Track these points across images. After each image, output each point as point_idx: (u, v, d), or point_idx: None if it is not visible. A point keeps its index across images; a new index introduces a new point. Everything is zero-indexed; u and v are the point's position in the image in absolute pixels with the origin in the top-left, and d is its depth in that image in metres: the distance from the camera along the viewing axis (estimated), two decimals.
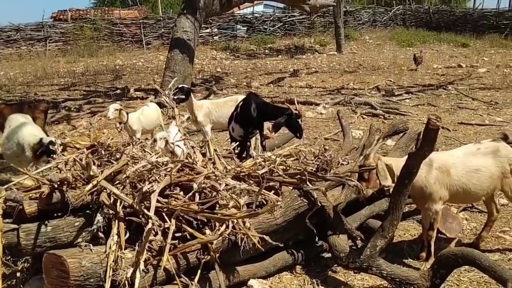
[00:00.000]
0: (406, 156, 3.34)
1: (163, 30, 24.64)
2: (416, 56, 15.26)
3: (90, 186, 3.20)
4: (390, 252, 4.07)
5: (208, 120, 6.39)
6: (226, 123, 6.29)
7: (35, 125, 5.81)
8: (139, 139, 4.87)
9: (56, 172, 3.39)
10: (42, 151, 4.98)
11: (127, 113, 6.57)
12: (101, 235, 3.25)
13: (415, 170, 3.27)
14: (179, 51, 11.46)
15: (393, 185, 3.59)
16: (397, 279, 3.41)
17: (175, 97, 5.76)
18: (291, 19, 27.52)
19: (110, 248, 3.08)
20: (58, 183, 3.14)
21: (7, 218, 3.52)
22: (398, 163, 3.67)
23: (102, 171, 3.41)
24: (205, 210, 3.28)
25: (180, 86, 5.97)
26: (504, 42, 21.57)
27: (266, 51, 22.44)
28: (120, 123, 6.47)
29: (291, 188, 3.90)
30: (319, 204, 3.76)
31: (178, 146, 4.38)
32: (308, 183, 3.76)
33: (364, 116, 9.28)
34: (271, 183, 3.85)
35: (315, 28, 27.28)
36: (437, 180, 3.78)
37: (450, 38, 23.66)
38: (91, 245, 3.17)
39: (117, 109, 6.24)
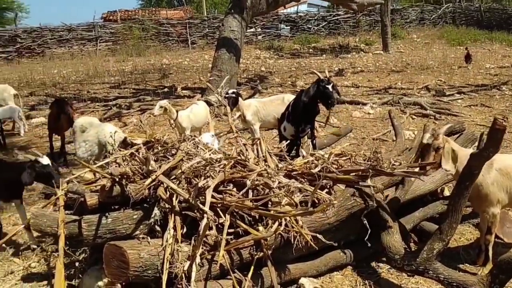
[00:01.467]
0: (470, 150, 3.23)
1: (207, 29, 25.00)
2: (469, 53, 14.72)
3: (149, 180, 3.29)
4: (445, 256, 3.95)
5: (256, 118, 6.43)
6: (273, 122, 6.32)
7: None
8: (191, 135, 4.97)
9: (116, 167, 3.50)
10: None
11: (177, 111, 6.71)
12: (157, 228, 3.34)
13: (477, 171, 3.16)
14: (226, 50, 11.58)
15: (452, 171, 3.50)
16: (454, 284, 3.31)
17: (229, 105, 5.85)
18: (335, 18, 27.24)
19: (167, 241, 3.15)
20: (119, 177, 3.24)
21: (67, 210, 3.69)
22: (463, 152, 3.54)
23: (159, 166, 3.49)
24: (259, 207, 3.29)
25: (227, 95, 6.01)
26: None
27: (310, 50, 22.30)
28: (171, 119, 6.61)
29: (344, 187, 3.86)
30: (374, 204, 3.69)
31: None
32: (364, 181, 3.70)
33: (414, 117, 9.04)
34: (324, 182, 3.82)
35: (361, 27, 26.87)
36: (495, 182, 3.63)
37: (502, 37, 22.71)
38: (148, 237, 3.26)
39: (162, 106, 6.40)
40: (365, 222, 3.67)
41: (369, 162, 4.28)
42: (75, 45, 23.64)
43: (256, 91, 12.24)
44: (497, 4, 30.48)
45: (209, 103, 8.34)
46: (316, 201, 3.74)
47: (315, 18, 27.10)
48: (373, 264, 4.03)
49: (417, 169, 3.73)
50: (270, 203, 3.53)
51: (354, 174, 3.83)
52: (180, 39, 24.70)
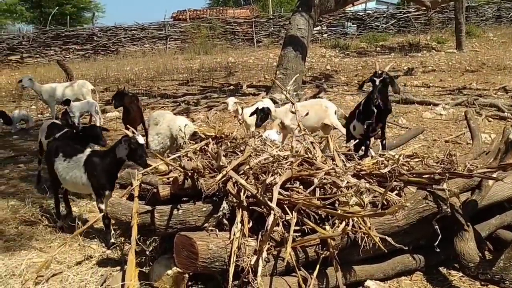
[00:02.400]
0: None
1: (273, 28, 25.12)
2: None
3: (220, 175, 3.36)
4: None
5: (295, 123, 6.39)
6: (313, 126, 6.29)
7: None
8: (258, 132, 5.02)
9: (188, 160, 3.61)
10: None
11: (242, 108, 6.81)
12: (225, 221, 3.40)
13: None
14: (292, 49, 11.57)
15: None
16: None
17: (259, 122, 5.88)
18: (405, 15, 26.35)
19: (234, 235, 3.20)
20: (191, 171, 3.34)
21: (140, 200, 3.86)
22: None
23: (229, 162, 3.56)
24: (327, 206, 3.26)
25: (260, 108, 6.01)
26: None
27: (378, 48, 21.74)
28: (235, 116, 6.74)
29: (416, 189, 3.73)
30: (448, 209, 3.53)
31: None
32: (437, 184, 3.56)
33: (490, 119, 8.54)
34: (394, 183, 3.71)
35: (432, 24, 25.80)
36: None
37: None
38: (216, 230, 3.33)
39: (235, 102, 6.55)
40: (436, 227, 3.52)
41: (442, 165, 4.12)
42: (147, 43, 24.68)
43: (322, 90, 12.12)
44: None
45: (274, 101, 8.38)
46: (385, 203, 3.65)
47: (384, 15, 26.37)
48: (444, 271, 3.86)
49: (496, 172, 3.52)
50: (337, 202, 3.49)
51: (427, 176, 3.68)
52: (245, 38, 25.02)
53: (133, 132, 4.38)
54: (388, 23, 26.10)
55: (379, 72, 4.68)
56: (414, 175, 3.73)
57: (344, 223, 3.31)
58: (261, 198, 3.27)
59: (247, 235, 3.24)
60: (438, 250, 3.61)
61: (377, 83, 4.63)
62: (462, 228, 3.57)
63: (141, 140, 4.33)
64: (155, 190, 3.69)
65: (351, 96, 11.03)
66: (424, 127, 8.06)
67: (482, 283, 3.51)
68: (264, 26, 25.49)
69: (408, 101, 10.06)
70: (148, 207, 3.66)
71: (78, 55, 23.33)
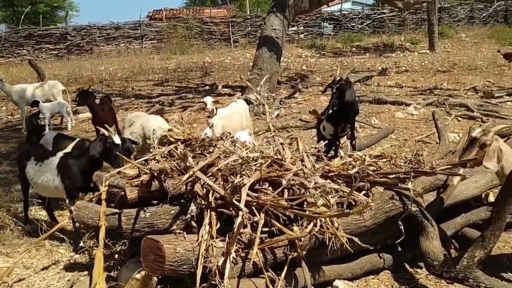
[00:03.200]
0: None
1: (250, 28, 25.12)
2: (507, 53, 14.23)
3: (187, 176, 3.35)
4: (487, 265, 3.79)
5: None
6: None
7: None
8: (229, 133, 5.01)
9: (155, 162, 3.58)
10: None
11: (216, 109, 6.78)
12: (194, 224, 3.39)
13: None
14: (267, 49, 11.60)
15: (493, 169, 3.35)
16: None
17: None
18: (380, 16, 26.71)
19: (202, 237, 3.19)
20: (158, 172, 3.32)
21: (109, 203, 3.82)
22: (508, 157, 3.38)
23: (197, 163, 3.54)
24: (295, 207, 3.28)
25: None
26: None
27: (353, 49, 21.97)
28: (209, 117, 6.71)
29: (383, 189, 3.78)
30: (412, 208, 3.60)
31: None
32: (403, 183, 3.62)
33: (460, 119, 8.72)
34: (361, 184, 3.76)
35: (406, 25, 26.21)
36: None
37: None
38: (184, 233, 3.31)
39: (213, 101, 6.54)
40: (401, 227, 3.58)
41: (410, 165, 4.19)
42: (122, 43, 24.36)
43: (297, 90, 12.19)
44: None
45: (248, 102, 8.38)
46: (353, 203, 3.70)
47: (359, 16, 26.66)
48: (411, 269, 3.93)
49: (460, 168, 3.60)
50: (305, 203, 3.51)
51: (393, 176, 3.74)
52: (222, 38, 24.95)
53: (110, 132, 4.35)
54: (363, 24, 26.40)
55: (338, 78, 4.81)
56: (380, 175, 3.78)
57: (312, 223, 3.34)
58: (229, 199, 3.27)
59: (215, 237, 3.23)
60: (400, 249, 3.66)
61: (334, 90, 4.80)
62: (428, 227, 3.64)
63: (117, 140, 4.29)
64: (123, 193, 3.66)
65: (326, 97, 11.10)
66: (395, 127, 8.19)
67: (448, 281, 3.58)
68: (241, 26, 25.47)
69: (381, 101, 10.20)
70: (116, 210, 3.62)
71: (51, 55, 22.89)
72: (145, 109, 10.42)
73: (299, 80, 13.98)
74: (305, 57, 20.06)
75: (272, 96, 11.19)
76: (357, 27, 26.15)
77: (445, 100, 9.83)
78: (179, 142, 4.17)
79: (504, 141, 4.79)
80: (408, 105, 9.76)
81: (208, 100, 6.57)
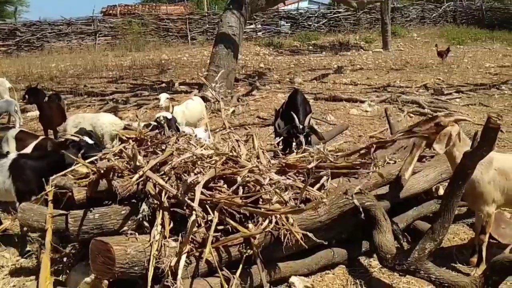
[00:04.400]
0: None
1: (207, 25, 24.91)
2: (441, 51, 15.58)
3: (136, 176, 3.24)
4: (438, 256, 3.90)
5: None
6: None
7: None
8: (183, 131, 4.93)
9: (104, 161, 3.45)
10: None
11: (172, 106, 6.67)
12: (146, 224, 3.28)
13: (471, 171, 3.10)
14: (224, 46, 11.51)
15: (440, 152, 3.46)
16: (446, 284, 3.26)
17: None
18: (336, 15, 27.15)
19: (154, 237, 3.10)
20: (104, 169, 3.19)
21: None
22: (462, 148, 3.44)
23: (148, 162, 3.44)
24: (249, 204, 3.24)
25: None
26: None
27: (310, 47, 22.24)
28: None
29: (341, 178, 3.82)
30: (366, 203, 3.65)
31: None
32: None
33: (411, 115, 8.98)
34: (322, 173, 3.79)
35: (361, 24, 26.80)
36: (492, 181, 3.58)
37: (503, 36, 22.62)
38: (136, 233, 3.20)
39: (168, 98, 6.43)
40: (362, 214, 3.61)
41: (363, 160, 4.26)
42: (74, 39, 23.52)
43: (254, 88, 12.18)
44: (499, 3, 30.32)
45: (205, 99, 8.28)
46: (311, 199, 3.70)
47: (316, 15, 27.00)
48: (365, 263, 3.98)
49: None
50: (261, 200, 3.48)
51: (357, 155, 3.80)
52: (179, 35, 24.61)
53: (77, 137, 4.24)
54: (319, 23, 26.76)
55: (300, 127, 4.93)
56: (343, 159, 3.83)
57: (267, 221, 3.31)
58: (181, 198, 3.19)
59: (167, 237, 3.14)
60: (354, 244, 3.72)
61: (302, 139, 4.88)
62: (381, 221, 3.69)
63: (89, 140, 4.18)
64: (70, 194, 3.50)
65: (283, 94, 11.16)
66: (350, 123, 8.34)
67: (400, 274, 3.65)
68: (199, 23, 25.20)
69: (337, 98, 10.36)
70: (63, 212, 3.46)
71: None
72: (98, 107, 10.11)
73: (256, 78, 13.98)
74: (263, 55, 20.10)
75: (230, 93, 11.13)
76: (314, 25, 26.47)
77: (397, 97, 10.10)
78: (130, 141, 4.03)
79: None
80: (362, 102, 9.96)
81: (163, 96, 6.47)
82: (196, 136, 5.14)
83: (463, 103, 10.00)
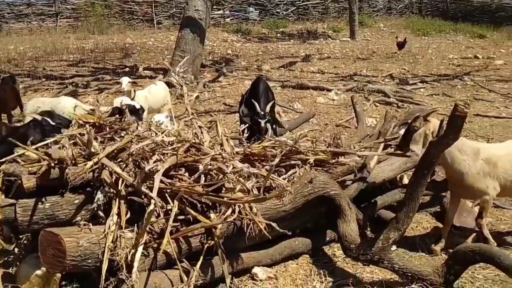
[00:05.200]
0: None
1: (174, 10, 24.29)
2: (399, 42, 15.96)
3: (90, 163, 3.05)
4: (401, 245, 3.91)
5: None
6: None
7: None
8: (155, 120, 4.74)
9: (58, 148, 3.23)
10: None
11: (135, 91, 6.43)
12: (101, 214, 3.11)
13: (436, 159, 3.07)
14: (190, 31, 11.21)
15: (418, 152, 3.44)
16: (409, 274, 3.25)
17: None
18: (304, 3, 27.01)
19: (109, 228, 2.93)
20: (57, 159, 2.98)
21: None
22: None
23: (104, 148, 3.24)
24: (210, 193, 3.11)
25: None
26: None
27: (278, 35, 22.07)
28: (132, 99, 6.34)
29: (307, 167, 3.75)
30: (331, 191, 3.58)
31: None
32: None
33: (377, 104, 9.03)
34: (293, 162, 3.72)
35: (329, 13, 26.79)
36: (481, 171, 3.64)
37: (467, 28, 23.08)
38: (90, 224, 3.02)
39: (130, 82, 6.19)
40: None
41: (329, 148, 4.21)
42: (34, 20, 22.45)
43: (221, 74, 11.97)
44: None
45: (170, 84, 8.04)
46: (276, 188, 3.60)
47: (284, 2, 26.81)
48: (329, 252, 3.94)
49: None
50: (224, 189, 3.36)
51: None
52: (145, 19, 23.90)
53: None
54: (288, 10, 26.59)
55: (262, 113, 4.87)
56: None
57: (230, 210, 3.20)
58: (138, 187, 3.02)
59: (123, 228, 2.98)
60: (319, 233, 3.66)
61: (263, 124, 4.85)
62: (345, 210, 3.64)
63: (51, 121, 3.94)
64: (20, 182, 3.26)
65: (250, 81, 10.99)
66: (317, 111, 8.29)
67: (364, 263, 3.62)
68: (165, 7, 24.52)
69: (304, 86, 10.29)
70: (12, 201, 3.23)
71: None
72: (56, 91, 9.67)
73: (224, 64, 13.75)
74: (231, 42, 19.81)
75: (196, 79, 10.89)
76: (282, 13, 26.28)
77: (364, 86, 10.13)
78: (87, 125, 3.81)
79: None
80: (329, 90, 9.93)
81: (124, 80, 6.22)
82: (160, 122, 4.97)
83: (427, 93, 10.13)
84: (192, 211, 3.10)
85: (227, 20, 25.14)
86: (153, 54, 15.72)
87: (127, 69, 12.57)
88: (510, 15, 24.59)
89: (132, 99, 6.27)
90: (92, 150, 3.16)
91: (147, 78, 11.06)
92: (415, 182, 3.19)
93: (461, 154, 3.59)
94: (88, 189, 3.21)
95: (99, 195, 3.09)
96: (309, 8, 26.92)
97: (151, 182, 3.12)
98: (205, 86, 10.54)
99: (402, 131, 4.12)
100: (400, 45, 15.98)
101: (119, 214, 3.02)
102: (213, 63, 14.02)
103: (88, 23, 21.94)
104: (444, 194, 4.56)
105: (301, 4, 26.96)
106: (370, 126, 6.83)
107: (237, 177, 3.27)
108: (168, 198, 3.13)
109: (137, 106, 5.28)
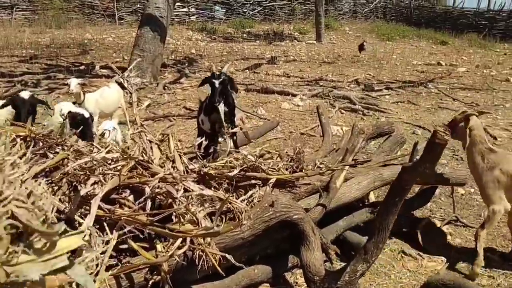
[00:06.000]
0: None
1: (138, 5, 23.54)
2: (362, 44, 16.18)
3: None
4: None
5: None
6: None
7: None
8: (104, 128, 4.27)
9: None
10: None
11: (85, 93, 5.90)
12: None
13: (408, 186, 2.78)
14: (150, 29, 10.68)
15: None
16: None
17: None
18: (271, 3, 26.80)
19: None
20: None
21: None
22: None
23: (30, 168, 2.78)
24: (155, 223, 2.71)
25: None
26: (483, 43, 21.40)
27: (244, 35, 21.72)
28: (74, 103, 5.81)
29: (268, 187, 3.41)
30: (294, 216, 3.24)
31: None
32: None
33: (343, 111, 8.80)
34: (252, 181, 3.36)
35: (295, 15, 26.68)
36: (496, 180, 3.59)
37: (429, 34, 23.40)
38: None
39: (79, 83, 5.66)
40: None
41: (291, 163, 3.89)
42: None
43: (183, 75, 11.50)
44: (427, 2, 31.50)
45: (124, 87, 7.51)
46: (234, 211, 3.23)
47: (251, 2, 26.48)
48: (291, 280, 3.62)
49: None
50: (174, 215, 2.96)
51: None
52: (106, 14, 23.03)
53: None
54: (254, 10, 26.29)
55: (217, 73, 4.55)
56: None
57: (178, 242, 2.80)
58: (69, 215, 2.59)
59: None
60: (280, 259, 3.33)
61: (217, 85, 4.49)
62: (309, 236, 3.31)
63: None
64: None
65: None
66: (281, 118, 7.99)
67: None
68: (128, 2, 23.72)
69: (269, 90, 9.97)
70: None
71: None
72: (3, 89, 8.95)
73: (186, 64, 13.27)
74: (195, 41, 19.30)
75: (155, 80, 10.38)
76: (249, 13, 25.96)
77: (329, 92, 9.89)
78: (18, 139, 3.31)
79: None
80: (294, 95, 9.63)
81: (73, 82, 5.69)
82: (108, 131, 4.53)
83: (393, 100, 10.01)
84: (133, 244, 2.68)
85: (192, 18, 24.58)
86: (112, 51, 15.05)
87: (82, 67, 11.91)
88: (471, 22, 25.14)
89: (82, 103, 5.77)
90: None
91: (104, 78, 10.45)
92: (385, 210, 2.88)
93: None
94: None
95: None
96: (276, 9, 26.72)
97: (89, 207, 2.69)
98: (165, 87, 10.06)
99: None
100: (360, 47, 16.14)
101: None
102: (176, 63, 13.51)
103: (45, 16, 20.90)
104: None
105: (268, 4, 26.72)
106: (335, 134, 6.60)
107: (188, 204, 2.87)
108: (106, 228, 2.70)
109: (86, 115, 4.75)
